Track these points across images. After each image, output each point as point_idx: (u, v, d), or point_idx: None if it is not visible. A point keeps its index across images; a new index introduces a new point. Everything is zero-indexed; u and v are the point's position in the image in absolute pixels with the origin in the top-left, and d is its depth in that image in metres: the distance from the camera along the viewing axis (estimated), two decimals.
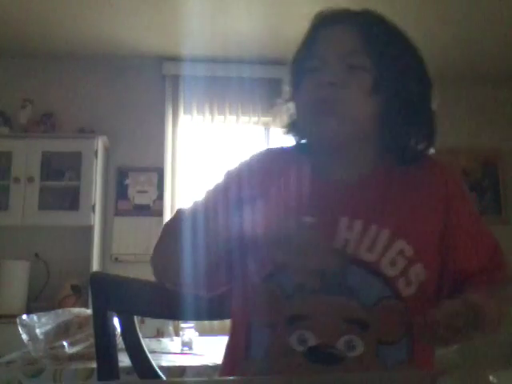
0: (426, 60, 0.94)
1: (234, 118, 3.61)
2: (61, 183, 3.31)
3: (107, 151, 3.51)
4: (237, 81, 3.58)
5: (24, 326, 1.57)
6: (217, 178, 0.94)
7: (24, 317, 1.62)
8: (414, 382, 0.54)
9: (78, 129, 3.44)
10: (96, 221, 3.23)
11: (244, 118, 3.61)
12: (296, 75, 0.89)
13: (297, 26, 3.29)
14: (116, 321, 1.02)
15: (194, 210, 0.87)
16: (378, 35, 0.85)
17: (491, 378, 0.50)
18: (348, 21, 0.87)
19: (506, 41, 3.36)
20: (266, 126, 3.74)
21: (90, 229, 3.21)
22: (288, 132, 0.95)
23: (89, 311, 1.70)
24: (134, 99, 3.61)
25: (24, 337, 1.56)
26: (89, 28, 3.23)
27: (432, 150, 0.92)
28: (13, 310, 2.90)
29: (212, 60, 3.55)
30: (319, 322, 0.77)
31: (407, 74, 0.86)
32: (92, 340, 1.41)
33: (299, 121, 0.90)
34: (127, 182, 3.54)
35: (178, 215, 0.89)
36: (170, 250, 0.85)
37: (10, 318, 2.50)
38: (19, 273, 3.11)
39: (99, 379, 1.03)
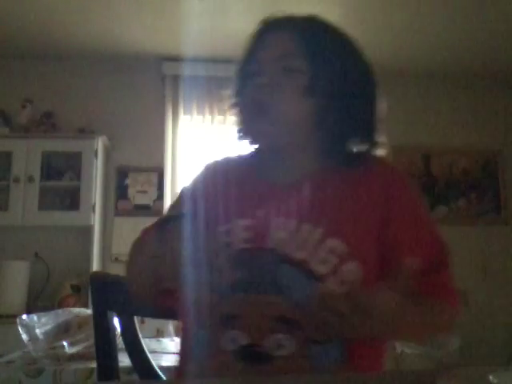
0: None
1: (234, 118, 3.60)
2: (61, 183, 3.31)
3: (107, 151, 3.51)
4: None
5: (24, 326, 1.57)
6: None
7: (24, 317, 1.62)
8: (414, 382, 0.54)
9: (78, 129, 3.43)
10: (96, 221, 3.23)
11: None
12: (239, 80, 0.93)
13: None
14: (116, 321, 1.02)
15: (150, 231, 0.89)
16: (315, 39, 0.87)
17: (491, 377, 0.50)
18: (288, 26, 0.89)
19: (508, 40, 3.36)
20: None
21: (89, 229, 3.21)
22: (239, 138, 0.97)
23: (89, 311, 1.70)
24: (134, 99, 3.61)
25: (24, 337, 1.56)
26: (89, 28, 3.23)
27: (379, 151, 0.92)
28: (13, 310, 2.90)
29: (212, 60, 3.55)
30: (249, 321, 0.77)
31: (345, 76, 0.86)
32: (92, 340, 1.41)
33: (242, 124, 0.93)
34: (127, 181, 3.54)
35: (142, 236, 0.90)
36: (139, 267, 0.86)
37: (10, 318, 2.50)
38: (19, 273, 3.11)
39: (99, 379, 1.03)
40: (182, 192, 0.98)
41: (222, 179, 0.94)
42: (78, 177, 3.25)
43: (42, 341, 1.54)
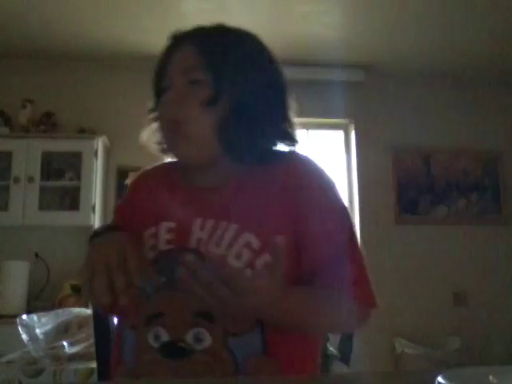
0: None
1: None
2: (61, 183, 3.30)
3: (107, 151, 3.51)
4: None
5: (24, 326, 1.57)
6: None
7: (24, 317, 1.63)
8: (414, 382, 0.54)
9: (78, 129, 3.43)
10: (96, 221, 3.23)
11: None
12: (155, 96, 0.96)
13: (297, 25, 3.31)
14: (116, 321, 1.02)
15: None
16: (216, 49, 0.89)
17: (491, 377, 0.50)
18: (192, 39, 0.92)
19: (508, 41, 3.36)
20: None
21: (89, 229, 3.20)
22: (162, 151, 0.99)
23: (89, 311, 1.70)
24: (134, 99, 3.60)
25: (24, 337, 1.56)
26: (89, 28, 3.23)
27: (296, 149, 0.96)
28: (13, 310, 2.90)
29: None
30: (171, 318, 0.81)
31: (249, 82, 0.89)
32: (92, 340, 1.41)
33: (162, 140, 0.95)
34: (127, 181, 3.54)
35: None
36: None
37: (10, 317, 2.50)
38: (19, 273, 3.11)
39: (99, 379, 1.04)
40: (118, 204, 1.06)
41: (149, 186, 0.99)
42: (78, 177, 3.25)
43: (42, 341, 1.54)
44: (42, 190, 3.20)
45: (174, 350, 0.79)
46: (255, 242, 0.83)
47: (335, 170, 3.84)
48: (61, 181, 3.29)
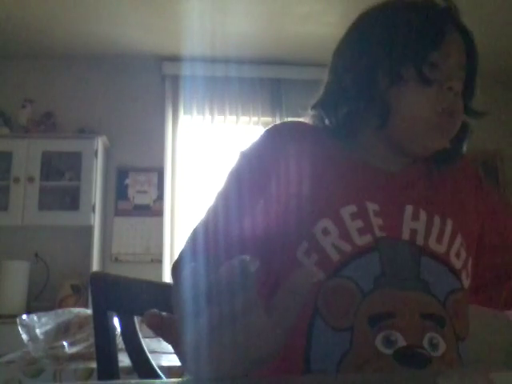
0: None
1: (233, 118, 3.61)
2: (61, 183, 3.31)
3: (107, 151, 3.51)
4: (237, 81, 3.58)
5: (24, 326, 1.57)
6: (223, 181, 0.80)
7: (24, 317, 1.62)
8: (414, 382, 0.54)
9: (78, 129, 3.44)
10: (96, 221, 3.23)
11: (244, 118, 3.61)
12: (411, 62, 0.77)
13: (297, 26, 3.31)
14: (116, 321, 1.02)
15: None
16: (475, 60, 0.86)
17: (491, 377, 0.50)
18: (462, 34, 0.86)
19: (508, 40, 3.36)
20: (266, 126, 3.74)
21: (89, 229, 3.21)
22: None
23: (89, 311, 1.70)
24: (134, 99, 3.61)
25: (24, 337, 1.55)
26: (88, 28, 3.23)
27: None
28: (13, 310, 2.90)
29: (212, 60, 3.55)
30: (403, 320, 0.68)
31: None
32: (92, 340, 1.41)
33: (398, 120, 0.77)
34: (127, 181, 3.54)
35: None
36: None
37: (10, 317, 2.50)
38: (19, 273, 3.11)
39: (99, 379, 1.03)
40: (246, 171, 0.81)
41: (321, 153, 0.80)
42: (78, 177, 3.25)
43: (42, 341, 1.53)
44: (42, 189, 3.20)
45: (414, 357, 0.68)
46: (466, 243, 0.77)
47: None
48: (61, 181, 3.30)
